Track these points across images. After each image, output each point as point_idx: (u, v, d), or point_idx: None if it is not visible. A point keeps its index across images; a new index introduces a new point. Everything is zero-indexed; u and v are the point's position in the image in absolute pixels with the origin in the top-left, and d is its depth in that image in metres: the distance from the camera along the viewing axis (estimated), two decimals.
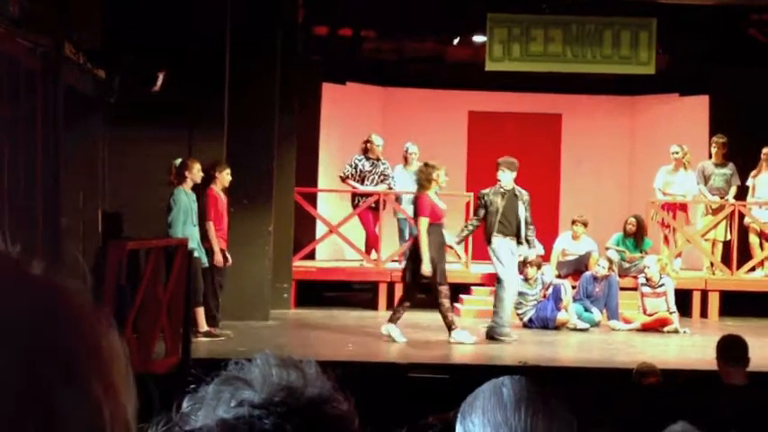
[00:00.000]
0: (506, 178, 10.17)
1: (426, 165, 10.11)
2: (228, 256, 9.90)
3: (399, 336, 9.83)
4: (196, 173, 9.42)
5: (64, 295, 0.87)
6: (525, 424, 1.84)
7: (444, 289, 9.82)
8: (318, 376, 1.14)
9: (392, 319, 9.95)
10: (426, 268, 9.61)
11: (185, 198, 9.33)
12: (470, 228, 10.72)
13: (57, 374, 0.81)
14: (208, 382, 1.13)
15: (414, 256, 9.86)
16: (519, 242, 10.12)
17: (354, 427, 1.16)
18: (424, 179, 9.93)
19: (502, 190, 10.16)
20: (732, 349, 6.10)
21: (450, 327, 9.83)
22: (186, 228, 9.22)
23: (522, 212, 10.07)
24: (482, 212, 10.20)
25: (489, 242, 10.14)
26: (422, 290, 9.93)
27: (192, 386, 1.13)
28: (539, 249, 12.17)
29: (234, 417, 1.09)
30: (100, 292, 7.34)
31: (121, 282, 7.34)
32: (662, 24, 12.59)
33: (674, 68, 14.28)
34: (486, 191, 10.29)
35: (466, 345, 9.69)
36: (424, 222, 9.76)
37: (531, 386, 1.90)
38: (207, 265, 9.50)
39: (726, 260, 12.87)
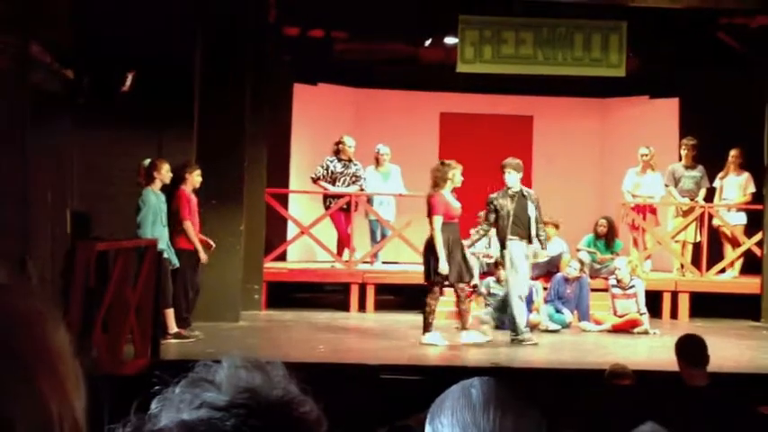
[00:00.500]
0: (513, 180, 10.18)
1: (443, 164, 10.14)
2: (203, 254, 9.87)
3: (440, 340, 9.84)
4: (165, 173, 9.36)
5: (10, 296, 0.85)
6: (494, 425, 1.83)
7: (461, 288, 9.93)
8: (284, 378, 1.16)
9: (426, 329, 9.94)
10: (443, 266, 9.62)
11: (154, 199, 9.26)
12: (481, 233, 10.67)
13: (5, 374, 0.80)
14: (175, 383, 1.14)
15: (428, 256, 9.85)
16: (530, 241, 10.13)
17: (319, 429, 1.17)
18: (439, 178, 9.96)
19: (510, 192, 10.17)
20: (690, 349, 6.11)
21: (464, 326, 9.94)
22: (155, 228, 9.16)
23: (533, 212, 10.09)
24: (493, 217, 10.18)
25: (504, 246, 10.13)
26: (442, 289, 9.96)
27: (157, 387, 1.14)
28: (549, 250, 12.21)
29: (194, 418, 1.10)
30: (68, 293, 7.29)
31: (90, 283, 7.26)
32: (632, 27, 12.65)
33: (645, 71, 14.36)
34: (495, 195, 10.27)
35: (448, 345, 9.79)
36: (437, 221, 9.81)
37: (499, 387, 1.89)
38: (177, 265, 9.44)
39: (696, 262, 12.96)
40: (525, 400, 1.88)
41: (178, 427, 1.10)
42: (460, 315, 10.03)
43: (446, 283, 9.90)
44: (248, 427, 1.09)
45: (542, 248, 10.44)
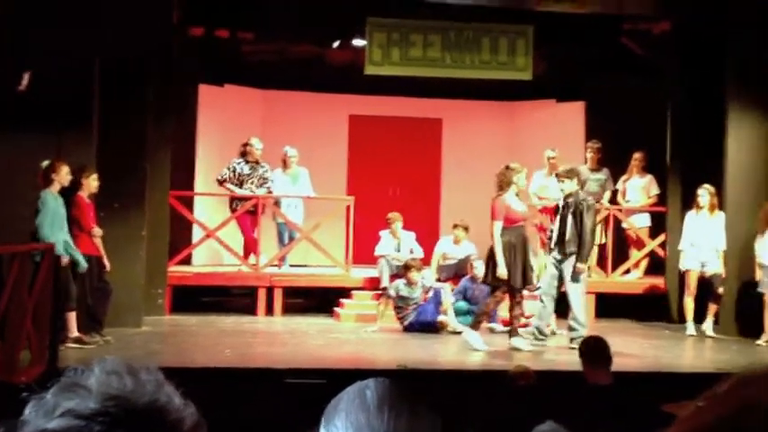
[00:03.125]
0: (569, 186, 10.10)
1: (507, 168, 9.96)
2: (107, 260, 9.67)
3: (481, 343, 9.72)
4: (64, 175, 9.10)
5: None
6: (388, 426, 1.77)
7: (518, 293, 9.84)
8: (156, 383, 1.14)
9: (474, 326, 9.87)
10: (501, 271, 9.56)
11: (53, 201, 8.99)
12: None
13: None
14: (47, 388, 1.12)
15: (489, 260, 9.81)
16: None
17: None
18: (503, 182, 9.83)
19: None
20: (592, 350, 6.26)
21: (513, 331, 9.85)
22: (54, 231, 8.89)
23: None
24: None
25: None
26: (506, 293, 9.85)
27: (26, 393, 1.13)
28: (420, 253, 12.22)
29: (57, 427, 1.08)
30: None
31: None
32: (539, 32, 12.79)
33: (551, 75, 14.55)
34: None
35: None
36: (496, 226, 9.69)
37: (394, 388, 1.84)
38: (86, 267, 9.18)
39: (601, 263, 13.14)
40: (421, 400, 1.84)
41: None
42: (511, 320, 9.91)
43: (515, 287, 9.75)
44: None
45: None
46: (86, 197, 9.55)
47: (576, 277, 9.91)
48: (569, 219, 9.99)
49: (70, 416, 1.08)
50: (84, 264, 9.12)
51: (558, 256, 10.01)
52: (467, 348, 9.72)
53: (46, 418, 1.09)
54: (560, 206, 10.22)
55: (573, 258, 9.91)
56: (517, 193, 9.95)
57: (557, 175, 10.64)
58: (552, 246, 10.10)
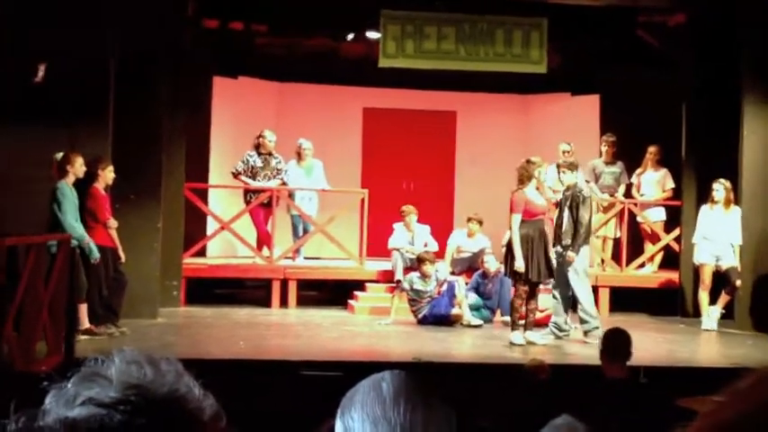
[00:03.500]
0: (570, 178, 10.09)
1: (528, 161, 9.94)
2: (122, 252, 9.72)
3: (520, 339, 9.71)
4: (78, 167, 9.14)
5: None
6: (404, 418, 1.79)
7: (535, 287, 9.81)
8: (177, 374, 1.15)
9: (511, 327, 9.82)
10: (519, 264, 9.56)
11: (69, 192, 9.04)
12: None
13: None
14: (68, 378, 1.13)
15: (508, 254, 9.80)
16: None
17: (216, 425, 1.16)
18: (523, 175, 9.80)
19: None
20: (614, 343, 6.21)
21: (527, 325, 9.79)
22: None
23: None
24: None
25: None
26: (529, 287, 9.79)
27: (46, 383, 1.13)
28: (435, 246, 12.22)
29: (79, 415, 1.09)
30: None
31: (1, 279, 7.04)
32: (553, 24, 12.75)
33: (566, 68, 14.50)
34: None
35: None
36: (514, 219, 9.68)
37: (410, 380, 1.86)
38: (98, 258, 9.21)
39: (616, 257, 13.12)
40: (436, 393, 1.85)
41: (63, 424, 1.09)
42: (526, 314, 9.84)
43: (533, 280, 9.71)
44: (134, 423, 1.08)
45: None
46: (102, 189, 9.59)
47: (575, 269, 9.87)
48: (566, 211, 9.96)
49: (91, 404, 1.08)
50: (96, 254, 9.15)
51: (559, 249, 9.99)
52: (506, 346, 9.64)
53: (67, 407, 1.09)
54: (560, 199, 10.20)
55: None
56: (537, 187, 9.93)
57: (557, 166, 10.60)
58: (554, 239, 10.07)
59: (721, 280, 11.37)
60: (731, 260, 11.32)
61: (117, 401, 1.08)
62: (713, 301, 11.31)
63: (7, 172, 9.40)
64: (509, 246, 9.82)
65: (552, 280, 10.52)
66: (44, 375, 1.15)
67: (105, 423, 1.07)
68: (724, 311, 11.28)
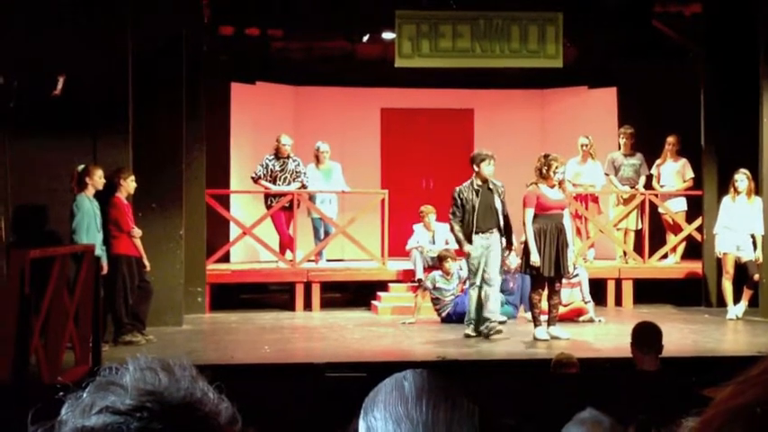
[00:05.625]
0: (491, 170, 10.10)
1: (545, 156, 9.98)
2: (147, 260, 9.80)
3: (544, 334, 9.72)
4: (98, 179, 9.23)
5: None
6: (427, 416, 1.80)
7: (556, 282, 9.82)
8: (191, 379, 1.16)
9: (536, 323, 9.83)
10: (534, 258, 9.59)
11: (89, 204, 9.13)
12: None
13: None
14: (83, 387, 1.14)
15: (524, 249, 9.85)
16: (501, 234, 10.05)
17: (232, 428, 1.17)
18: (537, 170, 9.87)
19: (476, 185, 10.07)
20: (645, 336, 6.19)
21: (551, 320, 9.84)
22: (90, 234, 9.02)
23: (499, 204, 10.03)
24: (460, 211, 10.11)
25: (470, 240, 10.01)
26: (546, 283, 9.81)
27: (62, 393, 1.14)
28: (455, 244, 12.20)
29: (97, 423, 1.10)
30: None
31: (26, 290, 7.11)
32: (568, 18, 12.72)
33: (582, 61, 14.47)
34: (460, 188, 10.16)
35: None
36: (527, 214, 9.74)
37: (432, 379, 1.87)
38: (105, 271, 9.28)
39: (638, 249, 13.08)
40: (459, 390, 1.86)
41: None
42: (549, 309, 9.87)
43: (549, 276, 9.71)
44: (151, 429, 1.09)
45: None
46: (124, 198, 9.66)
47: None
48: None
49: (108, 412, 1.10)
50: (104, 267, 9.19)
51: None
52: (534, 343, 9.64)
53: (83, 417, 1.11)
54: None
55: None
56: (552, 182, 9.89)
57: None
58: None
59: (743, 270, 11.33)
60: (750, 252, 11.28)
61: (133, 408, 1.09)
62: (737, 292, 11.27)
63: (31, 184, 9.49)
64: (526, 242, 9.83)
65: (578, 274, 10.49)
66: (59, 386, 1.17)
67: (122, 430, 1.09)
68: (748, 304, 11.24)
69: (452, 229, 10.25)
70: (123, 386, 1.12)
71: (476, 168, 10.12)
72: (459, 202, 10.04)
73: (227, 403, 1.17)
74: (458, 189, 10.16)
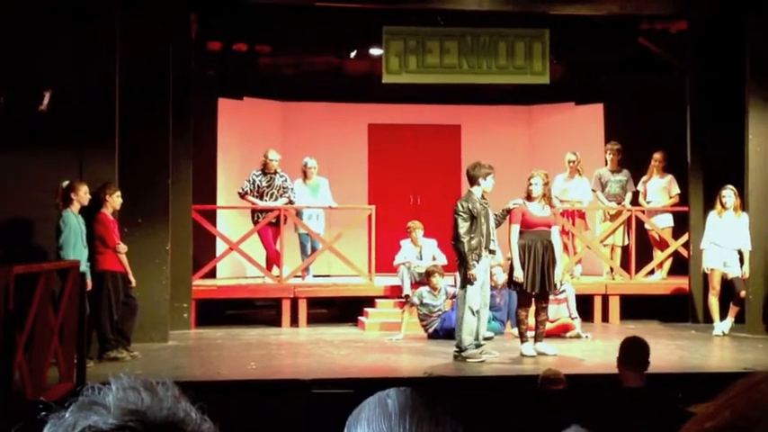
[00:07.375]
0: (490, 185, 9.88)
1: (529, 177, 9.97)
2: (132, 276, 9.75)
3: (531, 350, 9.68)
4: (83, 195, 9.20)
5: None
6: None
7: (542, 299, 9.76)
8: (173, 398, 1.16)
9: (523, 340, 9.78)
10: (517, 274, 9.56)
11: (74, 220, 9.09)
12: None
13: None
14: (66, 407, 1.13)
15: (511, 265, 9.78)
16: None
17: None
18: (527, 187, 9.86)
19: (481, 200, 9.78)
20: (633, 351, 6.15)
21: (537, 337, 9.79)
22: (76, 250, 8.98)
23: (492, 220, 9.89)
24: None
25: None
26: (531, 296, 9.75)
27: (44, 413, 1.14)
28: (443, 260, 12.20)
29: None
30: None
31: (10, 306, 7.06)
32: (555, 35, 12.78)
33: (569, 78, 14.53)
34: (467, 203, 9.78)
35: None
36: (513, 230, 9.73)
37: (416, 396, 1.85)
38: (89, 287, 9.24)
39: (625, 265, 13.10)
40: (442, 408, 1.85)
41: None
42: (536, 325, 9.81)
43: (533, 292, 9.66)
44: None
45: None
46: (110, 214, 9.63)
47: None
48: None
49: None
50: (89, 283, 9.15)
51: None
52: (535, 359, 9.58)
53: None
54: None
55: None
56: (532, 198, 9.86)
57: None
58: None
59: (729, 286, 11.35)
60: (737, 269, 11.31)
61: (116, 428, 1.09)
62: (723, 309, 11.28)
63: (16, 198, 9.45)
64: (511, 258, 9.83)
65: (565, 290, 10.46)
66: (42, 405, 1.15)
67: None
68: (733, 321, 11.27)
69: (462, 248, 9.45)
70: (106, 406, 1.11)
71: (479, 182, 9.68)
72: (470, 216, 9.50)
73: (209, 423, 1.17)
74: (465, 204, 9.55)
